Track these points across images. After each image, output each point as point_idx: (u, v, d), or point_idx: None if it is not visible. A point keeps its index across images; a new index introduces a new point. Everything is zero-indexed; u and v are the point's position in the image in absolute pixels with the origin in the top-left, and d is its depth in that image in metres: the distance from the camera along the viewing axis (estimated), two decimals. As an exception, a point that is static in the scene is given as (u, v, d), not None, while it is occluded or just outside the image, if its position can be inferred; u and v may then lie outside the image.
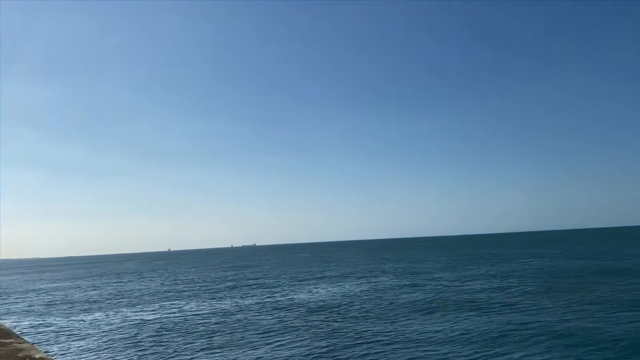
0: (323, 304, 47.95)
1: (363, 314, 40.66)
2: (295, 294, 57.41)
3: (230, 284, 78.47)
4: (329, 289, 60.82)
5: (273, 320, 39.87)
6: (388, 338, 30.89)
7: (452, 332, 31.94)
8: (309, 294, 56.58)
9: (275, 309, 46.16)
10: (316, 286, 65.54)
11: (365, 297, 51.08)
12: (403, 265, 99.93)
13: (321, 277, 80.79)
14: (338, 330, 34.08)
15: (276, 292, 60.36)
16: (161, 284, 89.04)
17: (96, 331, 39.47)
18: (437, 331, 32.26)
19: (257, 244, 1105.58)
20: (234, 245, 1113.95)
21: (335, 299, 50.77)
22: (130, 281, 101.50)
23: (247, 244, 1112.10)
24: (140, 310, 51.29)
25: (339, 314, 41.53)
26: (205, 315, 44.33)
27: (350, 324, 36.27)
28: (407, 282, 63.94)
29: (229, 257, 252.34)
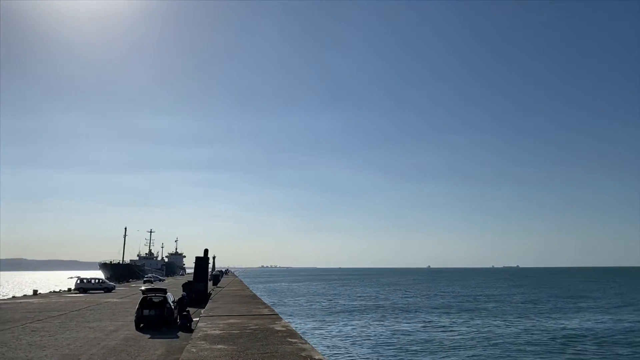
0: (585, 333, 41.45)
1: None
2: (561, 319, 51.20)
3: (491, 304, 74.57)
4: (600, 319, 52.41)
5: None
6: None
7: None
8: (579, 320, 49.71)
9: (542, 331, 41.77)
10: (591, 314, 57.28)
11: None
12: None
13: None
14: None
15: (547, 314, 54.84)
16: (423, 297, 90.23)
17: (366, 337, 41.77)
18: None
19: (520, 266, 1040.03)
20: (494, 266, 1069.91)
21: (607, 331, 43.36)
22: (395, 293, 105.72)
23: (509, 264, 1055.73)
24: (405, 320, 52.51)
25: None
26: (474, 333, 42.81)
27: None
28: None
29: (491, 277, 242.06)
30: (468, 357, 33.97)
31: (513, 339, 40.94)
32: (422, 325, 50.57)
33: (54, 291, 62.31)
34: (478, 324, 50.84)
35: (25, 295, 53.58)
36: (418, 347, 37.36)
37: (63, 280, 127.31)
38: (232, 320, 21.27)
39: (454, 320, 54.63)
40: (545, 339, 41.29)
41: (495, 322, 52.56)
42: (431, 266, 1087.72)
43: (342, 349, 36.83)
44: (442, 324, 50.88)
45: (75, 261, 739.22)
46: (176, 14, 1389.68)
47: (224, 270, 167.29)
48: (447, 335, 42.93)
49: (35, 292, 55.90)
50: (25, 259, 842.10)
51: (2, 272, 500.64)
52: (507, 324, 51.57)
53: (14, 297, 52.32)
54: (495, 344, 38.60)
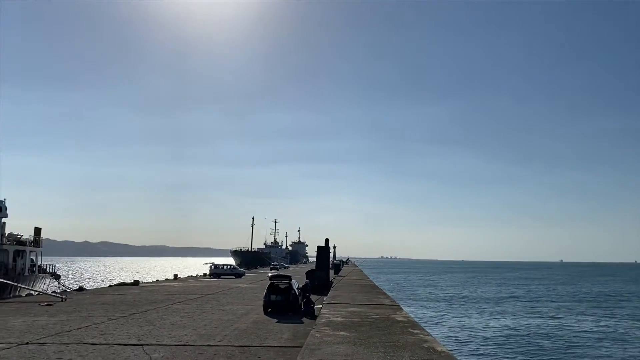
0: None
1: None
2: None
3: (631, 302, 67.48)
4: None
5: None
6: None
7: None
8: None
9: None
10: None
11: None
12: None
13: None
14: None
15: None
16: (551, 291, 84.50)
17: (487, 330, 40.36)
18: None
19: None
20: (637, 261, 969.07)
21: None
22: (522, 287, 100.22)
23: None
24: (529, 315, 49.98)
25: None
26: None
27: None
28: None
29: (633, 272, 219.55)
30: (595, 357, 31.46)
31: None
32: (548, 320, 47.76)
33: (191, 276, 67.80)
34: (611, 324, 46.63)
35: (167, 279, 58.93)
36: (542, 342, 35.46)
37: (199, 266, 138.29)
38: (353, 309, 21.61)
39: (584, 318, 50.75)
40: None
41: (633, 323, 47.81)
42: (564, 260, 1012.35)
43: (463, 342, 35.88)
44: (571, 321, 47.55)
45: (209, 248, 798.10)
46: (294, 14, 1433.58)
47: (344, 259, 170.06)
48: (575, 334, 40.07)
49: (175, 276, 61.28)
50: (167, 246, 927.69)
51: (149, 258, 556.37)
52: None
53: (157, 280, 57.88)
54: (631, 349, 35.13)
